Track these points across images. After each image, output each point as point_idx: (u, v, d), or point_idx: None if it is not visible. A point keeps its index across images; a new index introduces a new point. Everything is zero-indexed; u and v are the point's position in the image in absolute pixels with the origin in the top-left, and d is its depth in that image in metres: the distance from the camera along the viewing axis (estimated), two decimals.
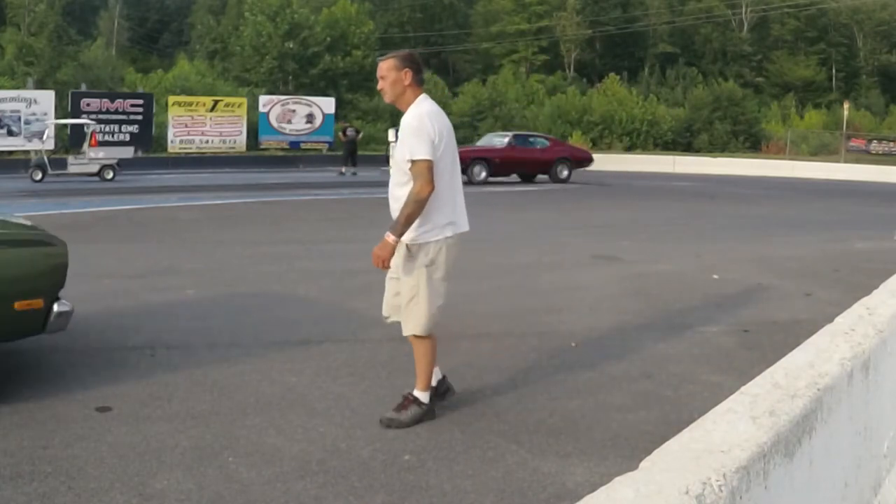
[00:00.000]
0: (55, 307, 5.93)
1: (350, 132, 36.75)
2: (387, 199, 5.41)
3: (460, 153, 21.05)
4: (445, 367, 6.31)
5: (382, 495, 4.25)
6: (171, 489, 4.28)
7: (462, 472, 4.53)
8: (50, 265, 6.07)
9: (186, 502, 4.16)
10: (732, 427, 2.36)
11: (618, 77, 68.83)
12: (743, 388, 2.74)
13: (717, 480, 2.00)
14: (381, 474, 4.50)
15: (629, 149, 59.03)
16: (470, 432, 5.14)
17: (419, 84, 5.41)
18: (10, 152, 34.62)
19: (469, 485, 4.37)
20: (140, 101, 35.82)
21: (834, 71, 77.91)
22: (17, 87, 40.69)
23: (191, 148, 38.91)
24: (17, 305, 5.70)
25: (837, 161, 50.73)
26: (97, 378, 5.99)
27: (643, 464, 2.09)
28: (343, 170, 34.70)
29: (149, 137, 37.20)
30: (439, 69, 74.98)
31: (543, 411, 5.55)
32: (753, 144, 63.67)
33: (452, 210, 5.38)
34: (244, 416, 5.39)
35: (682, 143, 63.48)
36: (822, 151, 58.50)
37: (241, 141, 40.09)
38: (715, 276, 10.74)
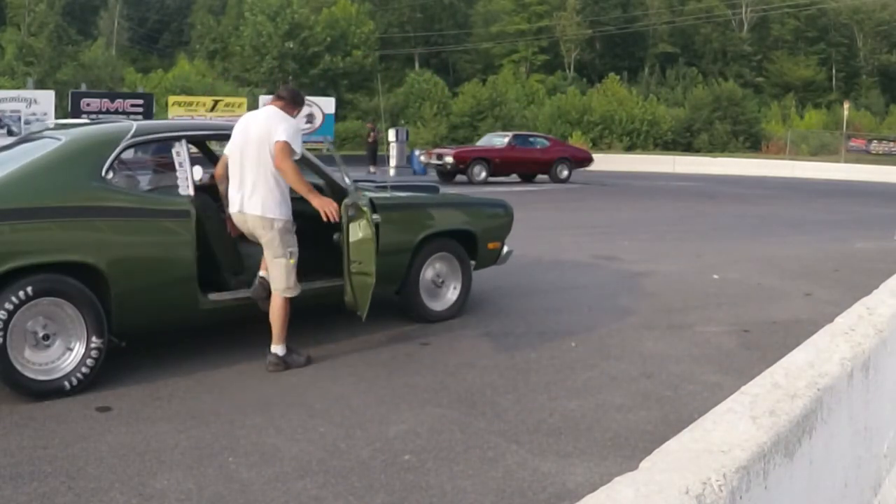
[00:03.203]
0: (504, 248, 8.80)
1: (374, 133, 37.30)
2: None
3: (461, 153, 21.37)
4: (449, 364, 6.35)
5: (382, 495, 4.26)
6: (171, 489, 4.29)
7: (462, 472, 4.54)
8: (505, 220, 8.93)
9: (186, 502, 4.17)
10: (732, 427, 2.36)
11: (618, 77, 68.84)
12: (743, 388, 2.74)
13: (718, 480, 2.00)
14: (381, 474, 4.51)
15: (629, 149, 58.98)
16: (470, 432, 5.14)
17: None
18: None
19: (469, 485, 4.37)
20: (140, 101, 35.64)
21: (834, 71, 77.83)
22: (17, 87, 40.63)
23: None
24: (489, 245, 8.53)
25: (837, 161, 50.62)
26: (97, 378, 5.97)
27: (643, 464, 2.09)
28: (372, 168, 34.83)
29: None
30: (439, 69, 74.94)
31: (543, 411, 5.56)
32: (753, 144, 63.64)
33: (231, 192, 6.55)
34: (244, 416, 5.39)
35: (682, 143, 63.46)
36: (822, 151, 58.43)
37: None
38: (715, 276, 10.73)
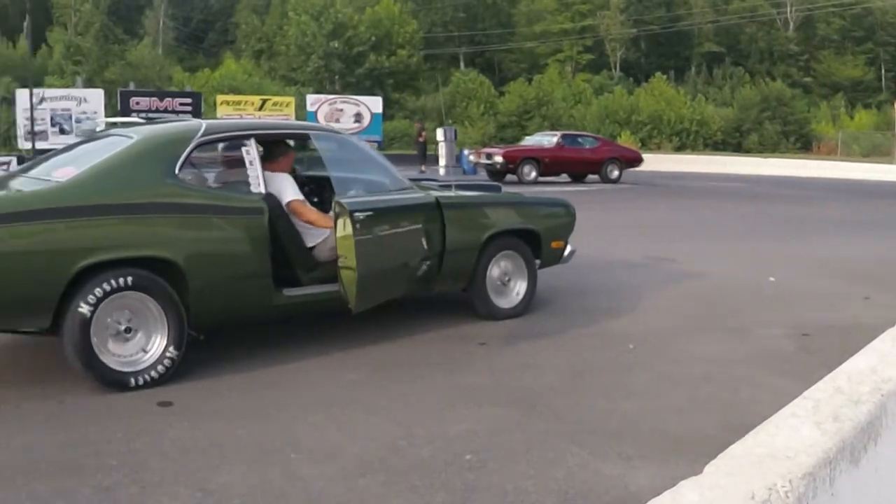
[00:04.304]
0: (568, 248, 8.89)
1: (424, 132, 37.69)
2: None
3: (510, 152, 21.78)
4: (507, 365, 6.38)
5: (443, 494, 4.27)
6: (233, 484, 4.33)
7: (523, 472, 4.53)
8: (568, 220, 9.00)
9: (248, 498, 4.20)
10: (796, 432, 2.38)
11: (664, 76, 68.41)
12: (805, 393, 2.75)
13: (784, 486, 2.02)
14: (442, 473, 4.51)
15: (679, 149, 58.60)
16: (530, 433, 5.14)
17: None
18: None
19: (530, 485, 4.37)
20: (189, 100, 35.77)
21: (883, 71, 76.81)
22: (67, 86, 41.03)
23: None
24: (553, 244, 8.68)
25: (890, 162, 49.83)
26: None
27: (708, 468, 2.12)
28: (422, 168, 34.86)
29: None
30: (484, 68, 74.85)
31: (603, 413, 5.55)
32: (804, 145, 62.98)
33: None
34: (305, 413, 5.44)
35: (733, 143, 62.94)
36: (874, 153, 57.51)
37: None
38: (771, 279, 10.63)
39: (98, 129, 29.70)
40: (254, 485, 4.34)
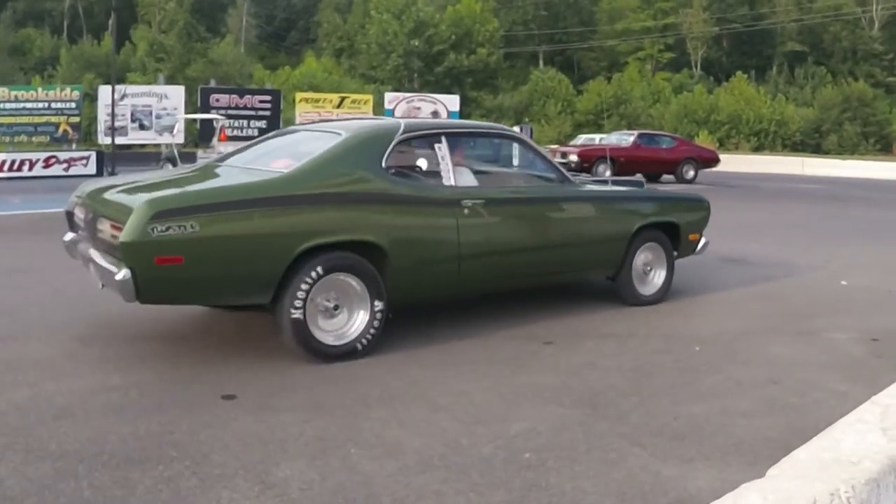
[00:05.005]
0: (702, 240, 9.53)
1: None
2: None
3: (586, 151, 21.64)
4: (572, 364, 6.33)
5: (502, 493, 4.25)
6: (293, 478, 4.35)
7: (583, 472, 4.51)
8: (704, 214, 9.60)
9: (308, 492, 4.22)
10: (862, 437, 2.32)
11: (745, 76, 67.70)
12: (873, 398, 2.69)
13: (846, 492, 1.97)
14: (502, 471, 4.50)
15: (757, 149, 57.99)
16: (592, 433, 5.11)
17: None
18: (142, 146, 35.60)
19: (590, 486, 4.35)
20: (268, 98, 36.32)
21: None
22: (149, 83, 41.85)
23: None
24: (690, 237, 9.28)
25: None
26: (224, 366, 6.17)
27: (771, 471, 2.07)
28: None
29: None
30: (563, 67, 74.75)
31: (667, 415, 5.50)
32: (884, 147, 61.92)
33: None
34: (368, 409, 5.45)
35: (811, 144, 62.09)
36: None
37: None
38: (843, 282, 10.48)
39: (177, 125, 30.23)
40: (313, 479, 4.36)
